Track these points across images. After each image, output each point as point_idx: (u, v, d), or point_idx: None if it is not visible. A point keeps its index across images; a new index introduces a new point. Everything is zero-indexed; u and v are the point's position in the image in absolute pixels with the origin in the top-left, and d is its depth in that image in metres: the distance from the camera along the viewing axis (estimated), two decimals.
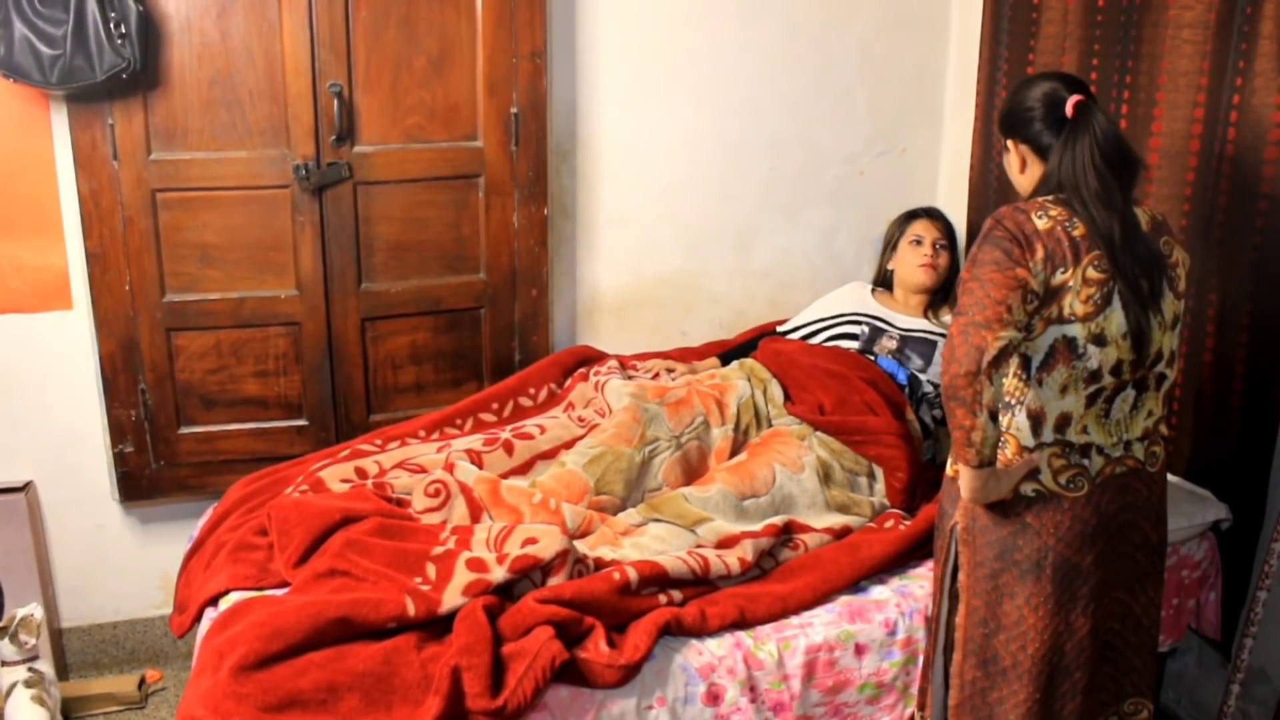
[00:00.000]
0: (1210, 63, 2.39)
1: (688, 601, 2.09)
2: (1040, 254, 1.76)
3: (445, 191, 2.80)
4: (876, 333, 2.79)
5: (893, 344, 2.76)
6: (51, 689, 2.48)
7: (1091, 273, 1.78)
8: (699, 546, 2.20)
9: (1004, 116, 1.99)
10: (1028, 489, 1.83)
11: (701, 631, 2.04)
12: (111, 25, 2.36)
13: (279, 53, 2.58)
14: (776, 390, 2.66)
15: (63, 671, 2.84)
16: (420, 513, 2.27)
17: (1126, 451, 1.87)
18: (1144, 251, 1.83)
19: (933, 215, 2.98)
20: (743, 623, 2.07)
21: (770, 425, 2.61)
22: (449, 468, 2.37)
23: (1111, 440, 1.86)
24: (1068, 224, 1.79)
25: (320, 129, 2.64)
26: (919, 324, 2.82)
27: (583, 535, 2.27)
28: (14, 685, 2.43)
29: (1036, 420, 1.82)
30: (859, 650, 2.10)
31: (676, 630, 2.03)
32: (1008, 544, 1.85)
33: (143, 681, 2.81)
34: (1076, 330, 1.78)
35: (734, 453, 2.55)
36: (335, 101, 2.62)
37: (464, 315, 2.90)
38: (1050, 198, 1.85)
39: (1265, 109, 2.28)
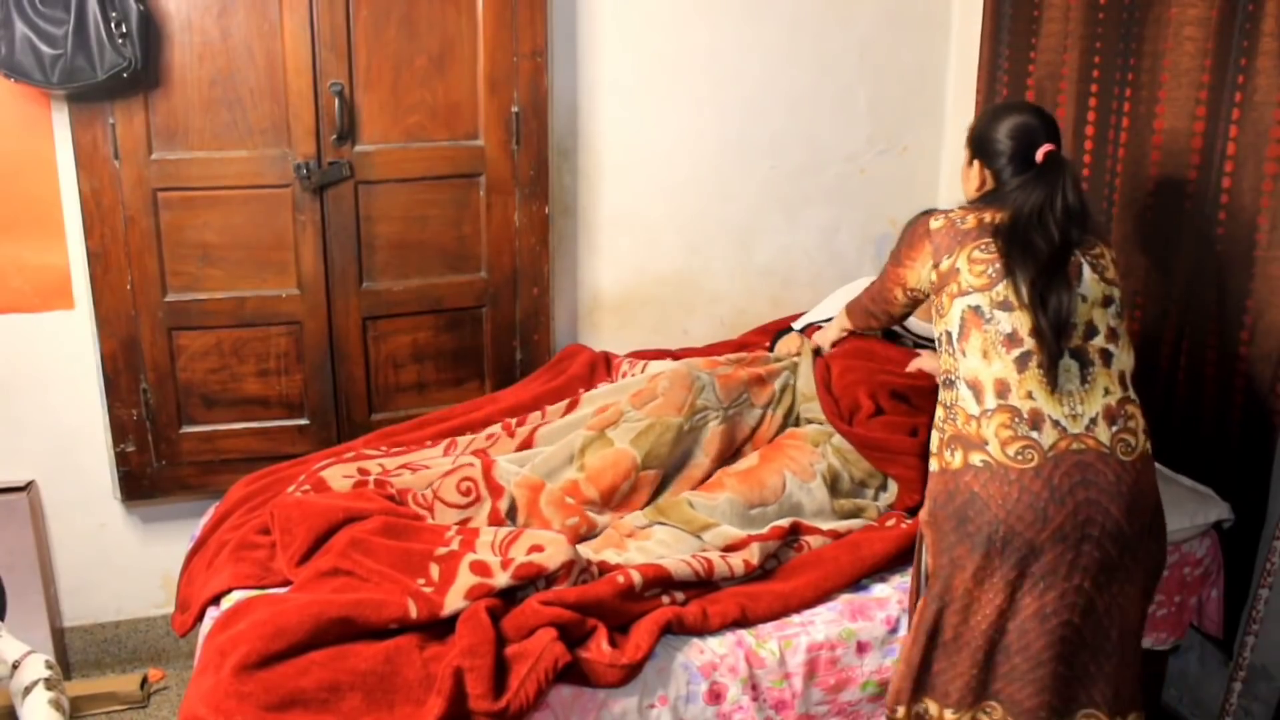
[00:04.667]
0: (1212, 60, 2.39)
1: (689, 601, 2.09)
2: (928, 250, 2.00)
3: (446, 190, 2.80)
4: (892, 338, 2.79)
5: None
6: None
7: (977, 254, 1.93)
8: (704, 552, 2.19)
9: (976, 139, 2.11)
10: (976, 459, 1.86)
11: (703, 630, 2.04)
12: (112, 25, 2.36)
13: (280, 52, 2.58)
14: (806, 372, 2.64)
15: (65, 671, 2.84)
16: (448, 505, 2.26)
17: (1087, 430, 1.86)
18: (1056, 301, 1.89)
19: None
20: (744, 621, 2.07)
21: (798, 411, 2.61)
22: (488, 467, 2.34)
23: (1064, 411, 1.86)
24: (960, 220, 1.98)
25: (321, 128, 2.64)
26: (930, 329, 2.81)
27: (589, 537, 2.27)
28: (35, 684, 2.41)
29: (975, 389, 1.90)
30: (861, 648, 2.10)
31: (678, 629, 2.02)
32: (961, 515, 1.88)
33: (145, 681, 2.81)
34: (979, 299, 1.91)
35: (774, 434, 2.55)
36: (336, 100, 2.62)
37: (465, 314, 2.90)
38: (968, 204, 2.04)
39: (1267, 107, 2.28)
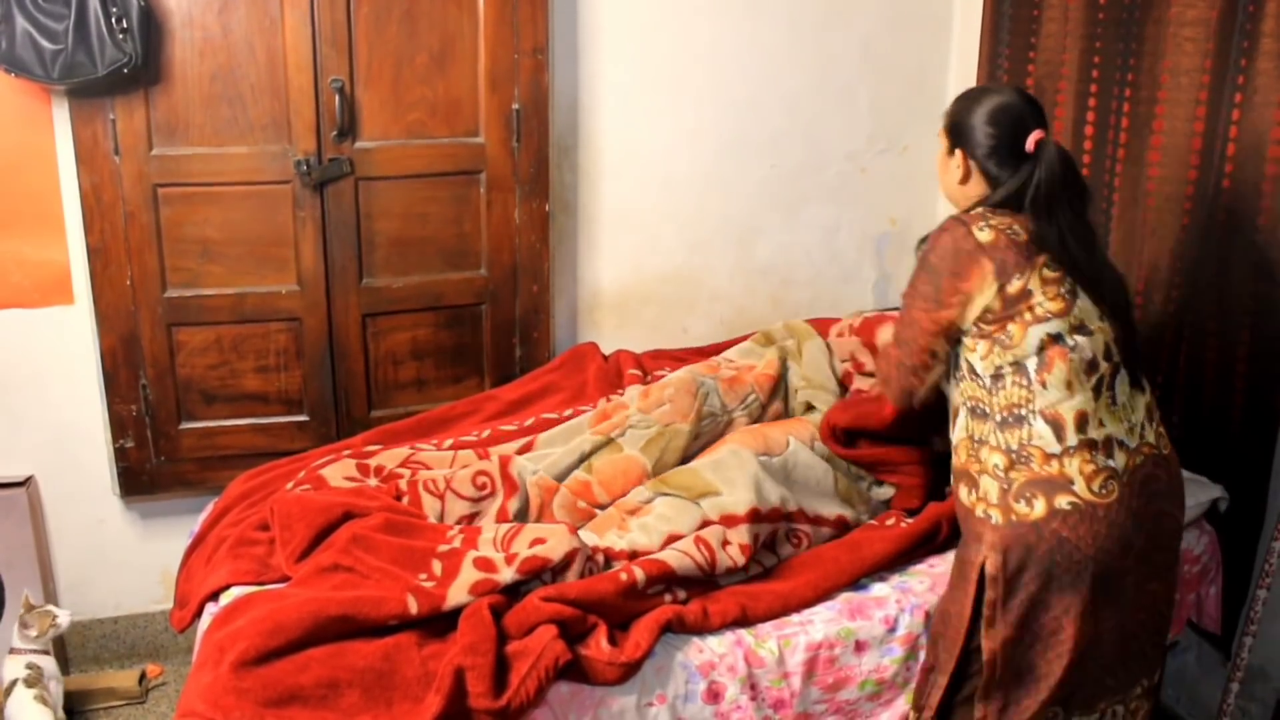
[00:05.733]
0: (1212, 61, 2.39)
1: (691, 599, 2.09)
2: (989, 268, 1.76)
3: (446, 187, 2.80)
4: None
5: None
6: (52, 684, 2.48)
7: (1047, 272, 1.77)
8: (703, 524, 2.18)
9: (955, 125, 1.93)
10: (1063, 503, 1.76)
11: (703, 629, 2.04)
12: (113, 20, 2.36)
13: (280, 48, 2.58)
14: (811, 359, 2.61)
15: (64, 666, 2.84)
16: (460, 497, 2.26)
17: (1141, 439, 1.83)
18: (1107, 272, 1.88)
19: None
20: (744, 620, 2.07)
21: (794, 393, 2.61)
22: (505, 462, 2.34)
23: (1124, 427, 1.82)
24: (1010, 231, 1.78)
25: (322, 124, 2.64)
26: None
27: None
28: (14, 683, 2.42)
29: (1056, 425, 1.78)
30: (859, 647, 2.10)
31: (678, 628, 2.02)
32: (1046, 562, 1.78)
33: (143, 676, 2.81)
34: (1059, 326, 1.77)
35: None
36: (337, 97, 2.62)
37: (465, 311, 2.90)
38: (990, 209, 1.83)
39: (1267, 107, 2.28)
